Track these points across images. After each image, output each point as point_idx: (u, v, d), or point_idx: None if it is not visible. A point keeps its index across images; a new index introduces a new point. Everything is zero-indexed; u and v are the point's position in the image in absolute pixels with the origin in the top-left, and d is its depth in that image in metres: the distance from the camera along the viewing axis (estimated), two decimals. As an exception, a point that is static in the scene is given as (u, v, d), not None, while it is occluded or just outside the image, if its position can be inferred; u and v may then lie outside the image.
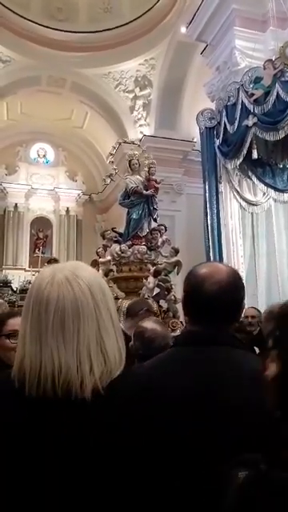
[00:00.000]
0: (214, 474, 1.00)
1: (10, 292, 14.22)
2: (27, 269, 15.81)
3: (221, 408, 1.10)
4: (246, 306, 5.04)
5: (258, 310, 5.28)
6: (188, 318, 1.34)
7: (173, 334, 4.64)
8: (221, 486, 0.90)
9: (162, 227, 7.59)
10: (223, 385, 1.13)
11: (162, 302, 7.02)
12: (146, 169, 7.47)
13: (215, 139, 6.90)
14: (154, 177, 7.44)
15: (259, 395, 1.01)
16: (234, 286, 1.28)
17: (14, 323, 1.94)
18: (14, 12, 11.68)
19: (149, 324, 2.15)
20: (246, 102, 6.23)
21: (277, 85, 5.82)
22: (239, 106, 6.33)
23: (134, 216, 7.18)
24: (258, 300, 6.65)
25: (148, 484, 1.02)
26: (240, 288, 1.31)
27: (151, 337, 2.06)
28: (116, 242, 7.44)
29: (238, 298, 1.29)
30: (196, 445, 1.11)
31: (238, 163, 6.56)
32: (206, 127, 7.11)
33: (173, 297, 6.90)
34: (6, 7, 11.52)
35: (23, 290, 14.31)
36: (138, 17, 12.00)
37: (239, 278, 1.32)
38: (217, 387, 1.13)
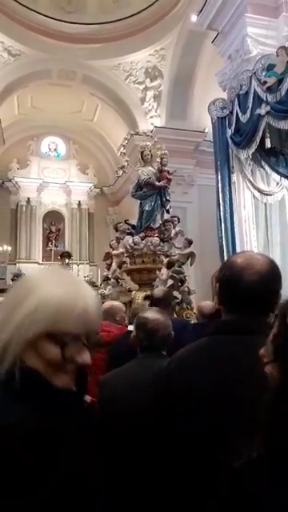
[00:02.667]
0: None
1: (24, 285, 14.36)
2: (40, 262, 15.94)
3: (245, 399, 1.09)
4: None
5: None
6: (223, 308, 1.33)
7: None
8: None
9: (175, 218, 7.57)
10: (254, 374, 1.12)
11: (176, 294, 7.01)
12: (159, 160, 7.43)
13: (227, 129, 6.84)
14: (166, 168, 7.40)
15: None
16: (273, 276, 1.28)
17: None
18: (22, 5, 11.65)
19: (151, 314, 2.12)
20: (258, 90, 6.15)
21: (290, 72, 5.72)
22: (251, 95, 6.26)
23: (147, 208, 7.17)
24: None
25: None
26: (278, 278, 1.30)
27: (154, 327, 2.04)
28: (129, 234, 7.44)
29: (276, 288, 1.28)
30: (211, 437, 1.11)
31: (251, 153, 6.49)
32: (217, 117, 7.05)
33: (186, 288, 6.90)
34: (16, 0, 11.50)
35: (37, 284, 14.46)
36: (148, 6, 11.88)
37: (277, 268, 1.31)
38: (246, 376, 1.12)
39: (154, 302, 3.62)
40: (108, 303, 4.36)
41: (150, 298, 4.07)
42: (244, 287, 1.25)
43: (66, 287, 0.95)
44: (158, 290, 4.19)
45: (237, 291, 1.27)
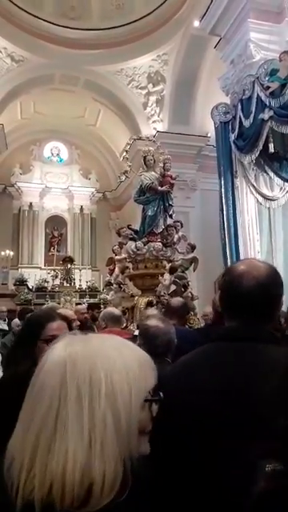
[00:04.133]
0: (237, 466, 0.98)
1: (26, 290, 14.35)
2: (43, 267, 15.93)
3: (248, 404, 1.07)
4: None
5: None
6: (225, 314, 1.33)
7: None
8: (246, 476, 0.88)
9: (178, 223, 7.53)
10: (255, 381, 1.10)
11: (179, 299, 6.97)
12: (161, 164, 7.41)
13: (230, 134, 6.81)
14: (169, 172, 7.38)
15: None
16: (271, 282, 1.27)
17: (53, 328, 1.85)
18: (26, 11, 11.72)
19: (152, 322, 2.22)
20: (261, 95, 6.12)
21: (293, 77, 5.70)
22: (255, 100, 6.23)
23: (150, 213, 7.14)
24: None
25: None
26: (278, 284, 1.29)
27: (155, 333, 2.12)
28: (132, 239, 7.41)
29: (275, 293, 1.27)
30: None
31: (254, 157, 6.45)
32: (220, 122, 7.03)
33: (190, 294, 6.85)
34: (19, 7, 11.56)
35: (39, 289, 14.45)
36: (150, 12, 11.93)
37: (277, 275, 1.31)
38: (247, 384, 1.10)
39: (169, 310, 3.60)
40: (111, 309, 4.35)
41: (165, 306, 4.09)
42: (242, 293, 1.25)
43: (117, 342, 0.83)
44: (176, 300, 4.14)
45: (236, 297, 1.27)
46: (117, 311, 4.29)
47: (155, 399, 0.79)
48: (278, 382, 1.04)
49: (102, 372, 0.75)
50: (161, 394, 0.81)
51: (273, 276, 1.29)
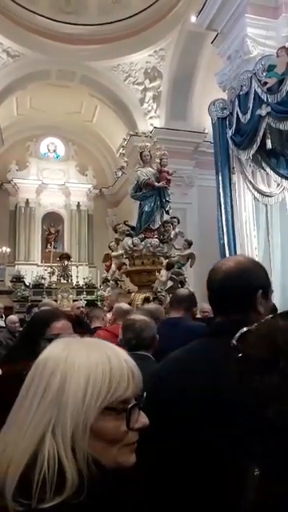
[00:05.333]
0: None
1: (23, 287, 14.32)
2: (39, 264, 15.89)
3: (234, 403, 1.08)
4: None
5: (273, 304, 5.19)
6: (213, 311, 1.38)
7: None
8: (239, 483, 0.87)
9: (175, 219, 7.52)
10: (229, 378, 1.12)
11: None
12: (158, 160, 7.39)
13: (228, 129, 6.79)
14: (165, 168, 7.36)
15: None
16: (240, 273, 1.28)
17: (57, 327, 1.85)
18: (22, 6, 11.63)
19: (137, 316, 2.29)
20: (258, 91, 6.10)
21: (291, 72, 5.68)
22: (252, 96, 6.21)
23: (146, 209, 7.12)
24: (272, 292, 6.56)
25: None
26: (248, 274, 1.28)
27: (142, 327, 2.18)
28: (128, 235, 7.39)
29: (245, 284, 1.27)
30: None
31: (252, 154, 6.44)
32: (218, 117, 7.00)
33: (187, 290, 6.84)
34: (14, 1, 11.47)
35: (36, 285, 14.42)
36: (147, 7, 11.86)
37: (251, 266, 1.31)
38: (225, 381, 1.11)
39: (175, 300, 3.45)
40: (121, 304, 4.63)
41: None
42: (213, 287, 1.31)
43: (97, 351, 0.83)
44: (184, 290, 4.03)
45: (210, 292, 1.33)
46: (126, 306, 4.48)
47: (116, 408, 0.78)
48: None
49: (60, 375, 0.78)
50: (129, 406, 0.80)
51: (243, 267, 1.30)
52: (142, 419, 0.83)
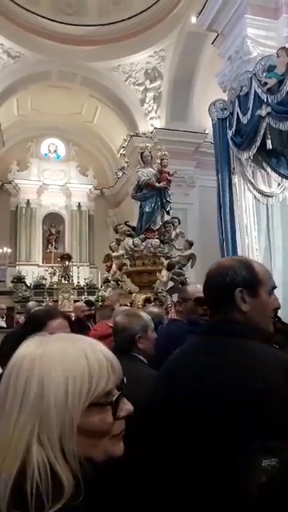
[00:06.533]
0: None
1: (24, 287, 14.33)
2: (40, 264, 15.92)
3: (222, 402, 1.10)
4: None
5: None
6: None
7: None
8: (239, 472, 0.90)
9: (176, 220, 7.53)
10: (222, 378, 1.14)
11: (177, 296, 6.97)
12: (159, 161, 7.40)
13: (228, 130, 6.79)
14: (166, 169, 7.37)
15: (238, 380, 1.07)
16: (218, 272, 1.30)
17: (53, 326, 1.83)
18: (22, 7, 11.65)
19: (119, 318, 2.34)
20: (258, 91, 6.10)
21: (291, 73, 5.68)
22: (252, 96, 6.21)
23: (147, 209, 7.13)
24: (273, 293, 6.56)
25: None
26: (225, 273, 1.29)
27: (123, 327, 2.25)
28: (129, 235, 7.40)
29: (221, 283, 1.27)
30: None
31: (252, 154, 6.43)
32: (218, 118, 6.99)
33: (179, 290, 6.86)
34: (15, 2, 11.50)
35: (37, 286, 14.44)
36: (147, 8, 11.88)
37: (231, 264, 1.31)
38: (218, 381, 1.13)
39: (183, 298, 3.23)
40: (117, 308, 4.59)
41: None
42: (205, 289, 1.35)
43: (72, 346, 0.81)
44: (194, 288, 3.73)
45: (205, 294, 1.36)
46: (122, 308, 4.47)
47: (101, 403, 0.77)
48: (243, 376, 1.08)
49: (37, 378, 0.75)
50: (114, 398, 0.79)
51: (221, 267, 1.32)
52: (127, 406, 0.82)
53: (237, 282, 1.26)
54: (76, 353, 0.79)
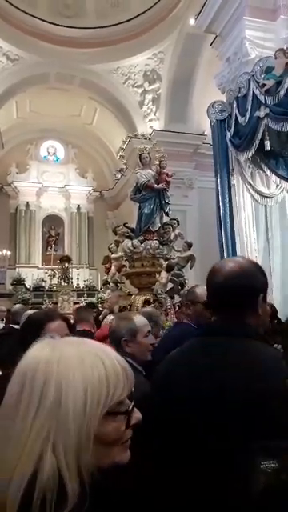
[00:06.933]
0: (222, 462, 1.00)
1: (24, 290, 14.33)
2: (40, 266, 15.92)
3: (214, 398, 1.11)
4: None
5: (271, 304, 5.19)
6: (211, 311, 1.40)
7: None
8: (238, 473, 0.90)
9: (175, 221, 7.53)
10: (223, 379, 1.14)
11: (176, 297, 6.97)
12: (157, 162, 7.41)
13: (226, 132, 6.80)
14: (165, 170, 7.37)
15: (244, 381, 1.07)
16: (243, 275, 1.29)
17: (52, 328, 1.82)
18: (21, 10, 11.68)
19: (112, 320, 2.47)
20: (257, 92, 6.11)
21: (289, 74, 5.69)
22: (250, 97, 6.22)
23: (146, 210, 7.13)
24: (272, 294, 6.57)
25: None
26: (251, 277, 1.29)
27: (112, 329, 2.31)
28: (128, 237, 7.40)
29: (248, 286, 1.27)
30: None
31: (250, 155, 6.44)
32: (216, 120, 7.00)
33: (186, 291, 6.85)
34: (14, 5, 11.52)
35: (36, 288, 14.43)
36: (146, 10, 11.91)
37: (253, 269, 1.32)
38: (218, 382, 1.12)
39: (191, 300, 3.14)
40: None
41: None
42: (212, 288, 1.33)
43: (88, 353, 0.79)
44: (203, 290, 3.57)
45: (211, 292, 1.35)
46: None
47: (118, 412, 0.76)
48: (245, 378, 1.07)
49: (54, 383, 0.73)
50: (130, 407, 0.79)
51: (245, 270, 1.30)
52: (136, 415, 0.81)
53: (260, 287, 1.29)
54: (93, 358, 0.78)
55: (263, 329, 1.40)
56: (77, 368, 0.75)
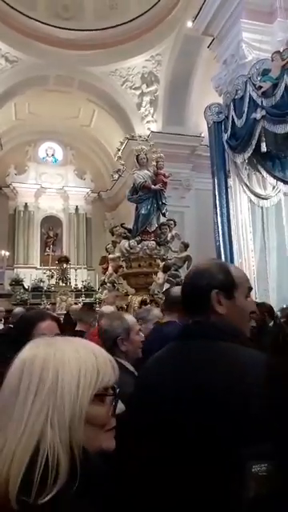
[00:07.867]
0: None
1: (22, 290, 14.34)
2: (38, 267, 15.92)
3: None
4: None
5: (269, 305, 5.22)
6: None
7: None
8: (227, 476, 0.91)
9: (171, 222, 7.58)
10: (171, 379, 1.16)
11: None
12: (154, 163, 7.45)
13: (223, 133, 6.86)
14: (162, 171, 7.42)
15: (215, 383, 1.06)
16: (193, 275, 1.31)
17: (43, 327, 1.85)
18: (20, 12, 11.72)
19: (102, 321, 2.48)
20: (253, 95, 6.18)
21: (285, 76, 5.75)
22: (247, 100, 6.28)
23: (143, 211, 7.18)
24: (269, 294, 6.61)
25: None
26: (200, 275, 1.29)
27: (103, 329, 2.35)
28: (125, 237, 7.44)
29: (196, 285, 1.28)
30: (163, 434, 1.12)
31: (247, 157, 6.51)
32: (213, 122, 7.06)
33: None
34: (12, 7, 11.57)
35: (35, 288, 14.44)
36: (144, 12, 11.96)
37: (206, 267, 1.31)
38: (196, 384, 1.11)
39: (167, 301, 3.27)
40: (104, 308, 4.45)
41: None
42: (182, 291, 1.34)
43: (83, 347, 0.89)
44: (177, 290, 3.30)
45: (182, 297, 1.35)
46: (108, 308, 4.39)
47: (106, 394, 0.86)
48: (222, 379, 1.07)
49: (52, 369, 0.81)
50: (117, 390, 0.88)
51: (197, 269, 1.31)
52: (120, 405, 0.91)
53: (213, 284, 1.26)
54: (86, 350, 0.88)
55: (248, 328, 1.37)
56: (72, 356, 0.85)
